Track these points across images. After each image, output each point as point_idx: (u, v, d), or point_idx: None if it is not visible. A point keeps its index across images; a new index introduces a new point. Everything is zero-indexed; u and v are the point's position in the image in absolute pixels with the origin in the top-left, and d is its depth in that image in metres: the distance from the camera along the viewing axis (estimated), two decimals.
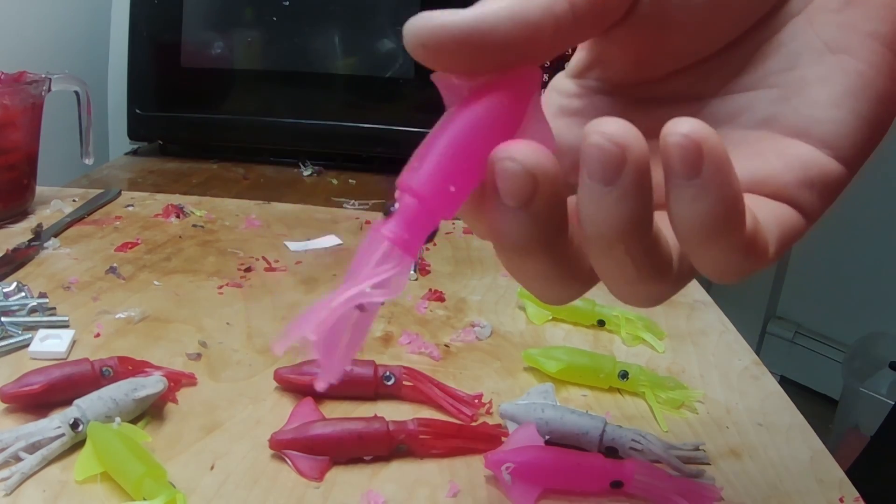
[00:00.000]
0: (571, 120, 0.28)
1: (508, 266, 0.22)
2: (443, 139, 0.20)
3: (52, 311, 0.49)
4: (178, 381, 0.41)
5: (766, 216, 0.22)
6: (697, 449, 0.40)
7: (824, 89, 0.24)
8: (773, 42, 0.25)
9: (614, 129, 0.19)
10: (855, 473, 0.39)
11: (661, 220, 0.20)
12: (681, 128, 0.18)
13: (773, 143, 0.24)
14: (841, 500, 0.37)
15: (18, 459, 0.34)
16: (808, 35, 0.24)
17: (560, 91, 0.29)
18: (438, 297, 0.56)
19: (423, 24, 0.20)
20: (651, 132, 0.26)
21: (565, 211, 0.21)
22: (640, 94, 0.27)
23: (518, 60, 0.21)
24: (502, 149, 0.20)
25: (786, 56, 0.25)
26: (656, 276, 0.21)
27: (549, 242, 0.21)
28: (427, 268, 0.62)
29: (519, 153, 0.20)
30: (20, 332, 0.45)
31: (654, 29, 0.24)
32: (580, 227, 0.20)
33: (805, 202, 0.23)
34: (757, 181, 0.23)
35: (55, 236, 0.61)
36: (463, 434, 0.39)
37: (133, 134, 0.93)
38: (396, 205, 0.20)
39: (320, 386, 0.20)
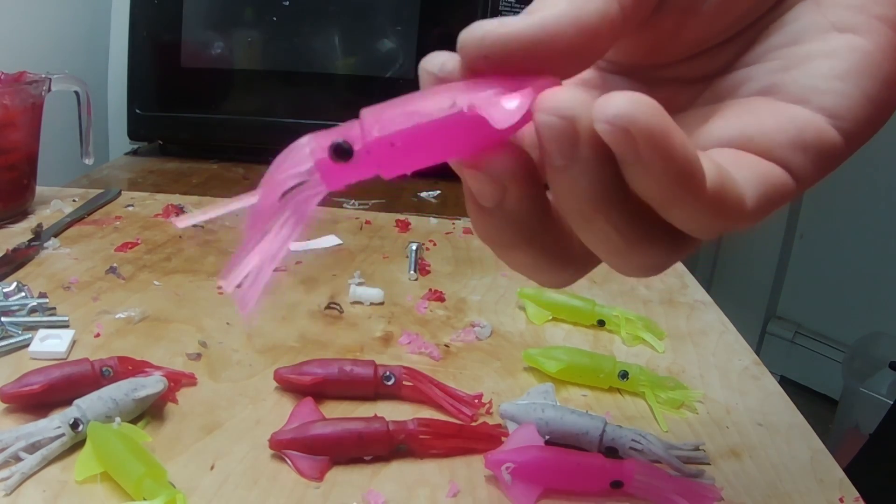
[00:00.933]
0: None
1: (501, 258, 0.23)
2: (432, 104, 0.19)
3: (52, 311, 0.49)
4: (178, 381, 0.41)
5: (746, 172, 0.21)
6: (697, 449, 0.40)
7: (828, 63, 0.23)
8: (779, 23, 0.25)
9: (561, 102, 0.18)
10: (853, 472, 0.39)
11: None
12: (606, 112, 0.17)
13: (769, 104, 0.23)
14: (841, 500, 0.37)
15: (18, 459, 0.34)
16: (815, 15, 0.24)
17: None
18: (438, 297, 0.56)
19: (485, 34, 0.20)
20: None
21: (541, 205, 0.21)
22: (648, 76, 0.27)
23: (578, 65, 0.21)
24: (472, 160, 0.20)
25: (790, 34, 0.24)
26: (646, 241, 0.21)
27: (529, 237, 0.21)
28: (427, 268, 0.62)
29: (487, 164, 0.20)
30: (20, 332, 0.45)
31: (674, 18, 0.24)
32: (558, 204, 0.20)
33: (796, 164, 0.22)
34: (746, 137, 0.22)
35: (55, 236, 0.61)
36: (463, 434, 0.39)
37: (133, 134, 0.93)
38: (339, 139, 0.19)
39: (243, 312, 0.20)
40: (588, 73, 0.28)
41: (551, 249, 0.22)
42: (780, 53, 0.24)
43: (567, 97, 0.18)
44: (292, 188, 0.20)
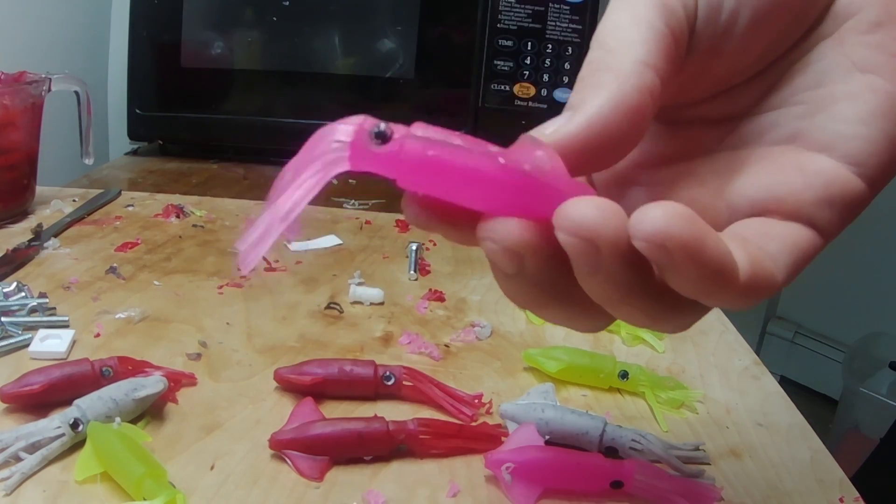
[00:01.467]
0: None
1: (534, 314, 0.23)
2: (475, 145, 0.20)
3: (52, 311, 0.49)
4: (178, 381, 0.41)
5: (777, 244, 0.22)
6: (697, 449, 0.40)
7: (851, 106, 0.23)
8: (803, 62, 0.25)
9: (582, 218, 0.19)
10: (862, 476, 0.39)
11: None
12: (642, 229, 0.18)
13: (795, 157, 0.24)
14: (841, 500, 0.37)
15: (18, 459, 0.34)
16: (837, 55, 0.24)
17: None
18: (438, 297, 0.56)
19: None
20: (680, 153, 0.26)
21: (564, 266, 0.21)
22: (674, 116, 0.27)
23: (630, 145, 0.22)
24: (483, 227, 0.20)
25: (814, 74, 0.25)
26: (670, 313, 0.21)
27: (556, 297, 0.21)
28: (427, 268, 0.62)
29: (497, 233, 0.20)
30: (20, 332, 0.45)
31: (700, 61, 0.24)
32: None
33: (823, 220, 0.23)
34: (776, 199, 0.23)
35: (55, 236, 0.61)
36: (463, 434, 0.39)
37: (133, 134, 0.93)
38: (383, 125, 0.20)
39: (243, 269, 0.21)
40: None
41: (581, 304, 0.22)
42: (805, 97, 0.25)
43: (586, 213, 0.19)
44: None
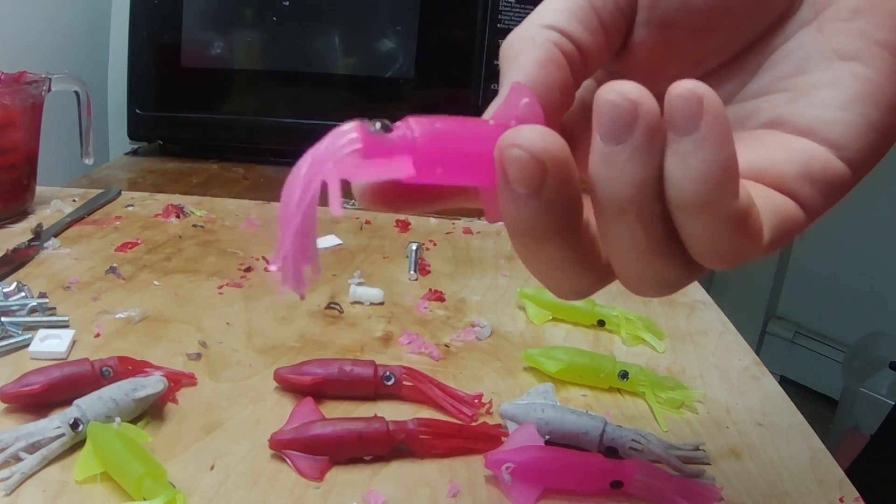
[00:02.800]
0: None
1: (523, 253, 0.22)
2: (467, 127, 0.21)
3: (52, 311, 0.49)
4: (178, 381, 0.41)
5: (764, 202, 0.22)
6: (697, 449, 0.40)
7: (832, 92, 0.24)
8: (783, 50, 0.25)
9: (628, 88, 0.19)
10: (854, 472, 0.39)
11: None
12: (685, 84, 0.19)
13: (778, 137, 0.24)
14: (841, 500, 0.37)
15: (18, 459, 0.34)
16: (818, 43, 0.24)
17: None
18: (438, 297, 0.56)
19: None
20: None
21: (579, 195, 0.21)
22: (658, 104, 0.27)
23: (567, 96, 0.23)
24: (509, 136, 0.20)
25: (795, 62, 0.25)
26: (668, 251, 0.21)
27: (564, 227, 0.21)
28: (427, 268, 0.62)
29: (525, 140, 0.20)
30: (20, 332, 0.45)
31: (658, 38, 0.25)
32: (592, 192, 0.21)
33: (805, 196, 0.23)
34: (758, 170, 0.23)
35: (55, 236, 0.61)
36: (463, 434, 0.39)
37: (133, 134, 0.93)
38: (378, 125, 0.20)
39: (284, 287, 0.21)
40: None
41: (580, 247, 0.22)
42: (787, 84, 0.25)
43: (627, 87, 0.19)
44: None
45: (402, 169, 0.20)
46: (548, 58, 0.23)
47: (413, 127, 0.20)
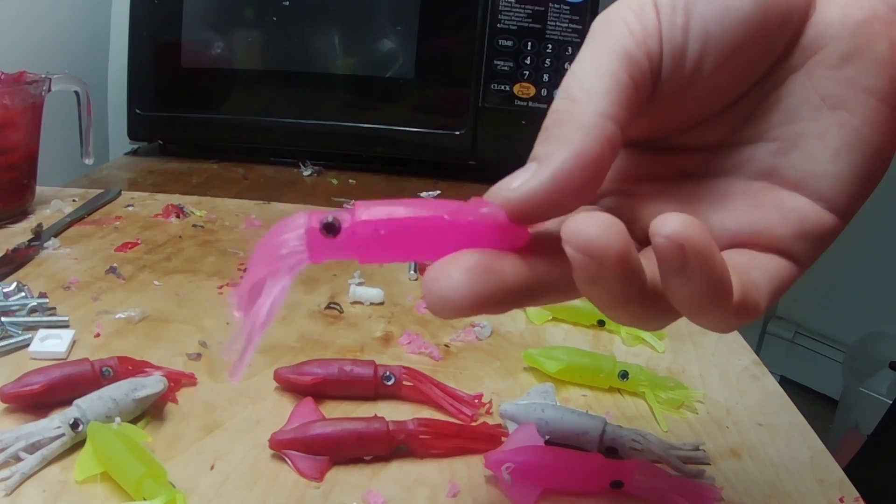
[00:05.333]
0: None
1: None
2: (419, 207, 0.22)
3: (52, 311, 0.49)
4: (178, 381, 0.41)
5: (760, 273, 0.24)
6: (697, 449, 0.40)
7: (821, 144, 0.25)
8: (774, 96, 0.26)
9: (588, 238, 0.20)
10: (852, 472, 0.39)
11: None
12: (664, 229, 0.20)
13: (772, 195, 0.26)
14: (841, 500, 0.37)
15: (18, 459, 0.34)
16: (806, 90, 0.25)
17: None
18: None
19: (505, 201, 0.22)
20: (660, 175, 0.28)
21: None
22: (654, 145, 0.28)
23: (592, 192, 0.23)
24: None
25: (785, 111, 0.26)
26: (661, 317, 0.23)
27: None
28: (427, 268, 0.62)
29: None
30: (20, 332, 0.45)
31: (667, 104, 0.25)
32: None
33: (799, 252, 0.25)
34: (755, 232, 0.25)
35: (55, 236, 0.61)
36: (463, 434, 0.39)
37: (133, 134, 0.93)
38: (330, 217, 0.22)
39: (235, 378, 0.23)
40: None
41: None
42: (778, 133, 0.26)
43: (589, 236, 0.20)
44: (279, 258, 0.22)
45: (348, 253, 0.22)
46: (600, 151, 0.23)
47: (359, 231, 0.22)
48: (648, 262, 0.22)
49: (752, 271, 0.24)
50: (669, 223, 0.20)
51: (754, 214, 0.25)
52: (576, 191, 0.22)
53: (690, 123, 0.27)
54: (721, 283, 0.21)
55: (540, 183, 0.22)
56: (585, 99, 0.23)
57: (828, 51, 0.25)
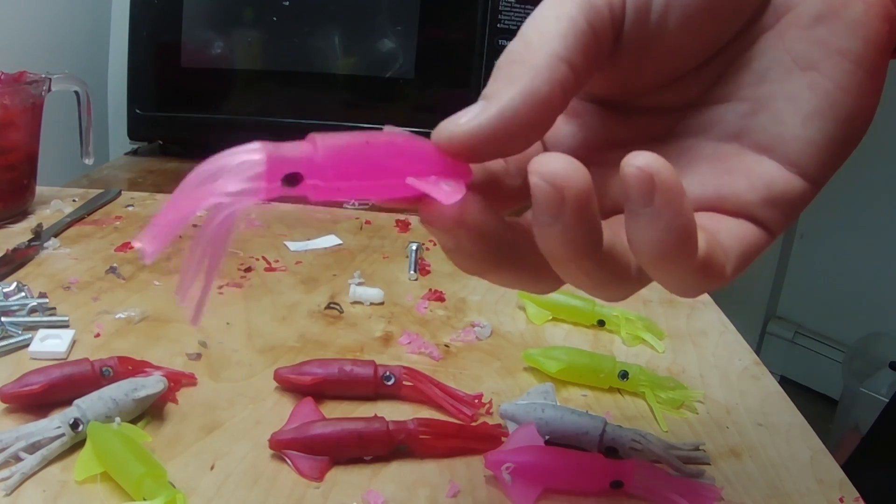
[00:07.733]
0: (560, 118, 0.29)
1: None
2: (373, 143, 0.22)
3: (52, 311, 0.49)
4: (178, 381, 0.41)
5: (727, 236, 0.23)
6: (697, 449, 0.40)
7: (791, 107, 0.24)
8: (745, 57, 0.25)
9: (554, 169, 0.20)
10: (848, 470, 0.39)
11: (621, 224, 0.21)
12: (637, 161, 0.19)
13: (740, 159, 0.25)
14: (841, 500, 0.37)
15: (18, 459, 0.34)
16: (778, 51, 0.25)
17: None
18: (438, 297, 0.56)
19: (451, 136, 0.22)
20: (630, 138, 0.27)
21: (499, 236, 0.22)
22: (623, 106, 0.27)
23: (540, 134, 0.22)
24: (428, 211, 0.22)
25: (756, 71, 0.25)
26: (613, 282, 0.22)
27: (498, 263, 0.22)
28: (427, 268, 0.62)
29: (432, 219, 0.22)
30: (20, 332, 0.45)
31: (635, 56, 0.25)
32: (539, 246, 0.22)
33: (767, 219, 0.24)
34: (722, 197, 0.24)
35: (55, 236, 0.61)
36: (463, 434, 0.39)
37: (133, 134, 0.93)
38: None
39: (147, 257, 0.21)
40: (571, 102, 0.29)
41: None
42: (748, 93, 0.25)
43: (554, 168, 0.20)
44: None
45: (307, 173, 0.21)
46: (549, 92, 0.22)
47: (319, 142, 0.21)
48: (609, 231, 0.22)
49: (720, 233, 0.23)
50: (643, 156, 0.19)
51: (721, 179, 0.25)
52: (522, 130, 0.22)
53: (660, 82, 0.26)
54: (686, 230, 0.20)
55: (486, 119, 0.21)
56: (539, 41, 0.22)
57: (800, 10, 0.24)
